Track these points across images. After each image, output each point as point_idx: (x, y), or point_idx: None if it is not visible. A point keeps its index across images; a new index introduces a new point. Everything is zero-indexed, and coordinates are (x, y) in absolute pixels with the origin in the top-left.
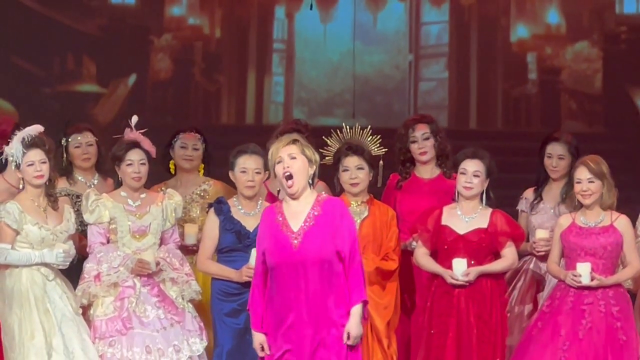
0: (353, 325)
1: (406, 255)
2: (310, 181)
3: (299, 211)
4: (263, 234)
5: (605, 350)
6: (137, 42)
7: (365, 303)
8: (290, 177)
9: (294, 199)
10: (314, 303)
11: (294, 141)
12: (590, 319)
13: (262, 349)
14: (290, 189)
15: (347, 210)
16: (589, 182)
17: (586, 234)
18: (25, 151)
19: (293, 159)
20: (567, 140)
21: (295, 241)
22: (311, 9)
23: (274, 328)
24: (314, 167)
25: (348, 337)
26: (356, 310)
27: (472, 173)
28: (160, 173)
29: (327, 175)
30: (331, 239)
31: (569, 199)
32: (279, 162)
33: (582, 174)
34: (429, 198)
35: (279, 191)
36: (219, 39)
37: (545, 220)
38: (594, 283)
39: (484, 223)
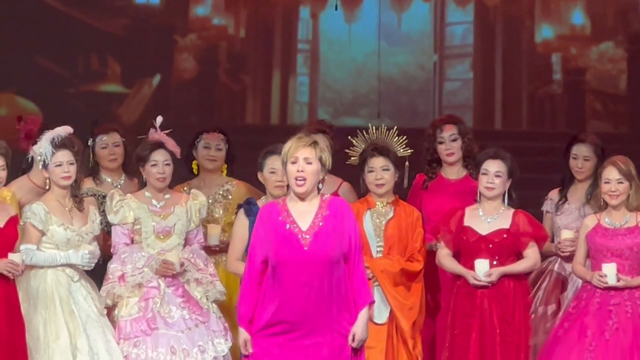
0: (360, 327)
1: (431, 255)
2: (320, 185)
3: (306, 211)
4: (264, 231)
5: (632, 350)
6: (162, 42)
7: (372, 304)
8: (303, 179)
9: (301, 199)
10: (319, 303)
11: (314, 144)
12: (617, 320)
13: (246, 346)
14: (299, 189)
15: (351, 210)
16: (618, 182)
17: (612, 235)
18: (54, 151)
19: (309, 164)
20: (592, 142)
21: (306, 241)
22: (336, 9)
23: (266, 326)
24: (325, 172)
25: (353, 339)
26: (364, 313)
27: (493, 173)
28: (183, 173)
29: (353, 175)
30: (339, 240)
31: (594, 199)
32: (293, 162)
33: (611, 174)
34: (454, 199)
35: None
36: (244, 39)
37: (571, 221)
38: (620, 284)
39: (506, 224)
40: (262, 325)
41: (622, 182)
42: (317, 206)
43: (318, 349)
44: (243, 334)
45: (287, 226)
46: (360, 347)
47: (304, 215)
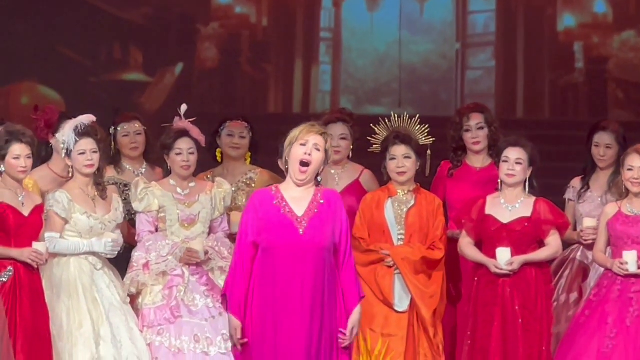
0: (357, 323)
1: (452, 244)
2: (319, 178)
3: (301, 197)
4: (257, 216)
5: None
6: (184, 31)
7: (362, 299)
8: (307, 164)
9: (298, 185)
10: (314, 289)
11: (325, 134)
12: (638, 307)
13: (236, 334)
14: (301, 175)
15: (343, 204)
16: None
17: (633, 222)
18: (77, 139)
19: (317, 150)
20: (614, 129)
21: (301, 226)
22: None
23: (258, 313)
24: (325, 165)
25: (350, 334)
26: (359, 309)
27: (514, 160)
28: (207, 161)
29: (374, 164)
30: (332, 229)
31: (615, 186)
32: (302, 145)
33: (634, 161)
34: (479, 187)
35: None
36: (266, 27)
37: (593, 209)
38: None
39: (527, 212)
40: (255, 312)
41: None
42: (312, 194)
43: (309, 336)
44: (233, 322)
45: (282, 211)
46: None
47: (299, 201)
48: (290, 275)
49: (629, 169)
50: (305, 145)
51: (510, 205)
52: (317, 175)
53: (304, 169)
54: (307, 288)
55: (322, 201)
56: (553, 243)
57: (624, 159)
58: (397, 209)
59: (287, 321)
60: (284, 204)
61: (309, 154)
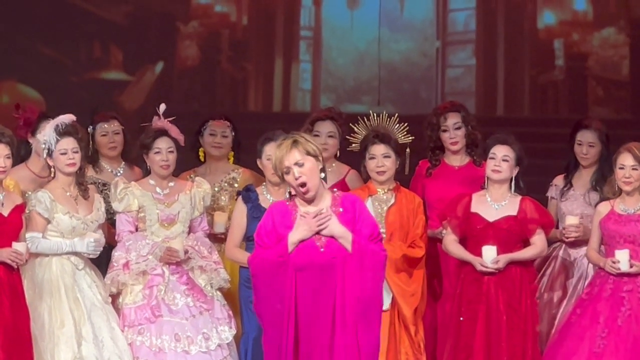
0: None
1: (433, 242)
2: (323, 174)
3: (318, 210)
4: (275, 233)
5: None
6: (164, 29)
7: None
8: (304, 184)
9: (311, 203)
10: (332, 304)
11: (294, 143)
12: (629, 306)
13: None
14: (306, 195)
15: (364, 204)
16: (633, 169)
17: (625, 221)
18: (58, 139)
19: (301, 166)
20: (597, 127)
21: (320, 242)
22: None
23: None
24: (321, 159)
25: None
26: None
27: (500, 158)
28: (190, 160)
29: (355, 162)
30: (354, 234)
31: (608, 185)
32: (287, 173)
33: (626, 160)
34: (458, 185)
35: None
36: (246, 26)
37: (575, 207)
38: (633, 270)
39: (513, 210)
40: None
41: (636, 169)
42: (329, 204)
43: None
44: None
45: None
46: None
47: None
48: (313, 293)
49: (620, 168)
50: (290, 172)
51: (496, 203)
52: (322, 170)
53: (305, 189)
54: (329, 303)
55: (341, 209)
56: (539, 242)
57: (616, 157)
58: (377, 208)
59: (313, 336)
60: None
61: (299, 176)
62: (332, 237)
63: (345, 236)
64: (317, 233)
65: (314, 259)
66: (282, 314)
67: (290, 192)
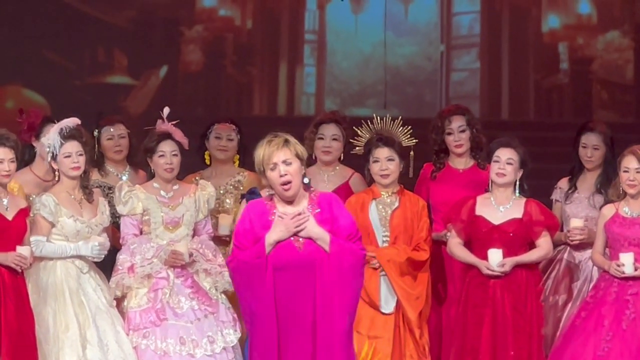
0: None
1: (438, 245)
2: (305, 179)
3: (296, 211)
4: (253, 226)
5: None
6: (168, 34)
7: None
8: (288, 183)
9: (291, 203)
10: (312, 304)
11: (286, 142)
12: (634, 310)
13: None
14: (287, 193)
15: (342, 203)
16: (637, 172)
17: (630, 224)
18: (62, 142)
19: (289, 165)
20: (602, 131)
21: (299, 243)
22: (342, 0)
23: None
24: (305, 164)
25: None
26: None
27: (505, 161)
28: (196, 164)
29: (359, 165)
30: (332, 234)
31: (613, 188)
32: (272, 169)
33: (630, 163)
34: (462, 188)
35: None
36: (250, 30)
37: (580, 210)
38: (638, 273)
39: (518, 213)
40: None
41: None
42: (306, 204)
43: (313, 350)
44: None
45: None
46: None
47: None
48: (292, 292)
49: (624, 171)
50: (276, 169)
51: (501, 206)
52: (304, 175)
53: (287, 186)
54: (309, 304)
55: (318, 209)
56: (544, 244)
57: (620, 160)
58: (382, 211)
59: (293, 336)
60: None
61: (285, 174)
62: (310, 238)
63: (322, 237)
64: (295, 234)
65: (292, 260)
66: (263, 315)
67: (269, 192)
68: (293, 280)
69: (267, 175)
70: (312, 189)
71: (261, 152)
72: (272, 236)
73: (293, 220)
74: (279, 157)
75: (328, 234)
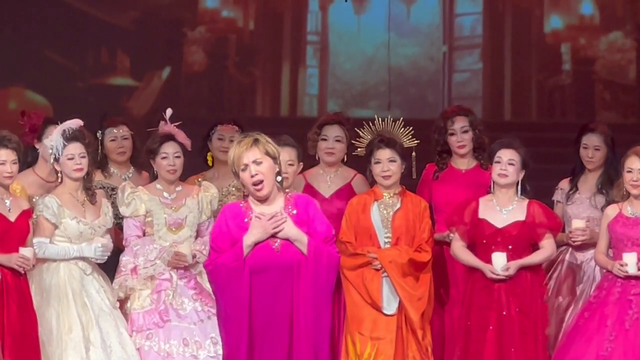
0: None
1: (440, 246)
2: (279, 178)
3: (273, 210)
4: (229, 236)
5: None
6: (171, 35)
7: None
8: (259, 182)
9: (264, 201)
10: (289, 304)
11: (255, 142)
12: (637, 310)
13: None
14: (259, 193)
15: (317, 205)
16: None
17: (633, 224)
18: (65, 144)
19: (259, 164)
20: (603, 131)
21: (276, 245)
22: (346, 1)
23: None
24: (278, 162)
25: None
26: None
27: (506, 161)
28: (199, 165)
29: (361, 166)
30: (309, 236)
31: (616, 188)
32: (243, 170)
33: (633, 163)
34: (465, 189)
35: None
36: (253, 31)
37: (581, 211)
38: None
39: (521, 215)
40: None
41: None
42: (283, 205)
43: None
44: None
45: None
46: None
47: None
48: (269, 294)
49: (628, 171)
50: (246, 170)
51: (504, 208)
52: (278, 174)
53: (259, 186)
54: (286, 305)
55: (294, 211)
56: (548, 246)
57: (624, 161)
58: (383, 212)
59: (269, 338)
60: None
61: (255, 174)
62: (287, 239)
63: (300, 239)
64: (273, 236)
65: (270, 262)
66: (235, 317)
67: (244, 194)
68: (270, 281)
69: (240, 177)
70: (288, 192)
71: (231, 153)
72: (249, 238)
73: (270, 222)
74: (249, 157)
75: (305, 235)
